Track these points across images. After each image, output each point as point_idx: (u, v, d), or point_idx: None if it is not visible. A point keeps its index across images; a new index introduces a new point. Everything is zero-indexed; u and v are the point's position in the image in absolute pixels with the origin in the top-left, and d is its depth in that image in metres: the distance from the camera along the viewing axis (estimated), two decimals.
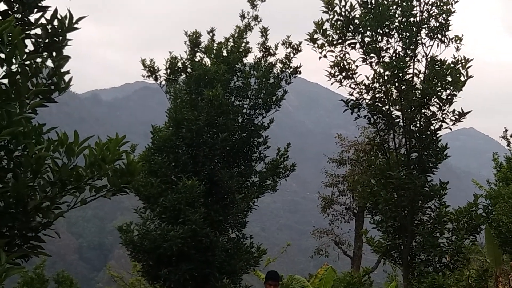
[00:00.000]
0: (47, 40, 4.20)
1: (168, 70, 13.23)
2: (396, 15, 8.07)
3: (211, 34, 13.35)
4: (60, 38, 4.22)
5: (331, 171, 34.29)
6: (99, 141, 4.01)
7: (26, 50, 3.98)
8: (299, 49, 12.88)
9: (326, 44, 8.44)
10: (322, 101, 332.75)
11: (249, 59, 14.85)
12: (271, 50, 13.10)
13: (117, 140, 3.95)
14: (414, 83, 7.71)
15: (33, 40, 4.33)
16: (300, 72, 13.21)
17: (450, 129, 7.55)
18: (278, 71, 13.02)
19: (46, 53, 4.27)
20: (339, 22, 8.39)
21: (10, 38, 3.73)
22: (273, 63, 13.03)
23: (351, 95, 8.18)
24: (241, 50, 12.87)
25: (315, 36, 8.49)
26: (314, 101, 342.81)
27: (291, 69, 13.05)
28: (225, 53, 12.82)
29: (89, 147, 3.87)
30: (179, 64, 13.21)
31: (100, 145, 3.92)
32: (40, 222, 4.00)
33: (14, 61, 3.70)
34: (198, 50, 13.33)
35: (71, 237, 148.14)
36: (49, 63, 4.32)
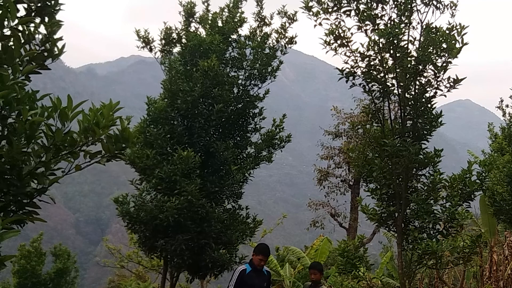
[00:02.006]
0: (39, 4, 4.15)
1: (163, 41, 13.14)
2: None
3: (205, 4, 13.24)
4: (53, 1, 4.17)
5: (327, 143, 34.42)
6: (93, 107, 4.01)
7: (18, 15, 3.95)
8: (295, 18, 12.81)
9: (321, 12, 8.38)
10: (318, 74, 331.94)
11: (245, 29, 14.79)
12: (266, 20, 13.01)
13: (111, 105, 3.94)
14: (409, 51, 7.67)
15: (25, 5, 4.28)
16: (296, 42, 13.13)
17: (445, 96, 7.55)
18: (274, 41, 12.94)
19: (39, 18, 4.24)
20: None
21: (1, 1, 3.70)
22: (268, 33, 12.95)
23: (346, 63, 8.15)
24: (236, 20, 12.78)
25: (310, 3, 8.42)
26: (310, 74, 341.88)
27: (287, 39, 12.97)
28: (220, 24, 12.73)
29: (83, 112, 3.87)
30: (174, 35, 13.12)
31: (94, 110, 3.91)
32: (35, 188, 4.00)
33: (6, 23, 3.67)
34: (193, 21, 13.23)
35: (68, 212, 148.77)
36: (42, 29, 4.29)
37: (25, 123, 3.72)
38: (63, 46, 4.29)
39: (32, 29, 4.14)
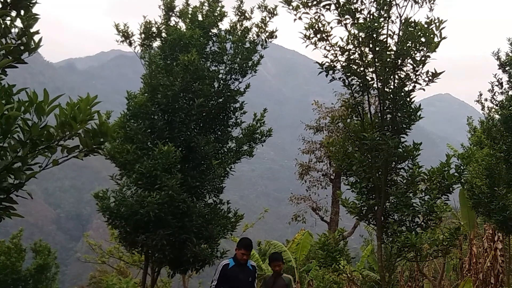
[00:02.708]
0: None
1: (143, 35, 13.05)
2: None
3: None
4: None
5: (308, 138, 34.58)
6: (71, 101, 3.97)
7: None
8: (275, 12, 12.80)
9: (301, 6, 8.38)
10: (299, 69, 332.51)
11: (225, 23, 14.75)
12: (246, 14, 12.98)
13: (88, 99, 3.91)
14: (388, 45, 7.70)
15: None
16: (276, 37, 13.13)
17: (424, 89, 7.61)
18: (254, 35, 12.93)
19: (14, 11, 4.19)
20: None
21: None
22: (248, 27, 12.92)
23: (326, 57, 8.17)
24: (216, 14, 12.73)
25: None
26: (291, 69, 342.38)
27: (267, 33, 12.97)
28: (200, 18, 12.68)
29: (60, 106, 3.83)
30: (154, 29, 13.04)
31: (71, 104, 3.88)
32: (11, 183, 3.97)
33: None
34: (173, 15, 13.16)
35: (48, 208, 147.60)
36: (18, 23, 4.24)
37: (1, 117, 3.68)
38: (40, 40, 4.25)
39: (8, 22, 4.09)
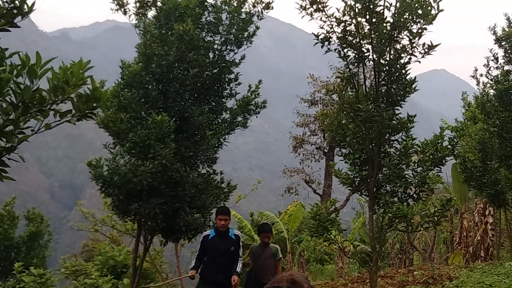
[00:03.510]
0: None
1: (138, 4, 12.90)
2: None
3: None
4: None
5: (303, 111, 34.60)
6: (63, 65, 3.94)
7: None
8: None
9: None
10: (295, 42, 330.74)
11: None
12: None
13: (80, 63, 3.89)
14: (384, 16, 7.65)
15: None
16: (272, 8, 13.01)
17: (419, 62, 7.58)
18: (250, 6, 12.80)
19: None
20: None
21: None
22: None
23: (322, 28, 8.12)
24: None
25: None
26: (287, 42, 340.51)
27: (263, 4, 12.84)
28: None
29: (52, 70, 3.80)
30: None
31: (63, 68, 3.85)
32: (3, 147, 3.95)
33: None
34: None
35: (41, 177, 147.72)
36: None
37: None
38: (33, 4, 4.20)
39: None
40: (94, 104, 4.13)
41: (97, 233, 29.77)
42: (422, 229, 7.96)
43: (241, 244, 9.50)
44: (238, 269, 9.34)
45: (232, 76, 12.63)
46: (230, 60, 12.60)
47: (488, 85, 16.57)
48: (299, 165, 34.58)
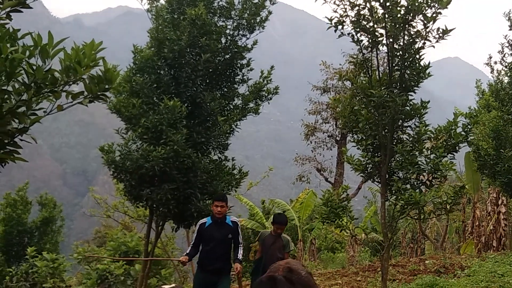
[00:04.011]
0: None
1: None
2: None
3: None
4: None
5: (315, 98, 34.44)
6: (75, 46, 3.93)
7: None
8: None
9: None
10: (308, 30, 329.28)
11: None
12: None
13: (92, 44, 3.87)
14: (399, 0, 7.56)
15: None
16: None
17: (433, 47, 7.48)
18: None
19: None
20: None
21: None
22: None
23: (335, 11, 8.04)
24: None
25: None
26: (300, 29, 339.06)
27: None
28: None
29: (64, 50, 3.79)
30: None
31: (76, 49, 3.84)
32: (16, 128, 3.96)
33: None
34: None
35: (55, 163, 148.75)
36: None
37: (5, 60, 3.64)
38: None
39: None
40: (106, 86, 4.11)
41: (109, 219, 29.97)
42: (434, 216, 7.91)
43: (240, 230, 9.22)
44: (240, 256, 9.15)
45: (244, 61, 12.58)
46: (242, 45, 12.54)
47: (503, 72, 16.40)
48: (311, 153, 34.49)
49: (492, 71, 17.41)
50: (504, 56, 15.93)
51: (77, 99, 4.07)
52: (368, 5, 7.59)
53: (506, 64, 15.85)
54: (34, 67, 3.72)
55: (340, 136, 33.06)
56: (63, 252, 25.49)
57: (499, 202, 21.60)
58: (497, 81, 16.62)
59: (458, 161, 17.30)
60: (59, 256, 19.77)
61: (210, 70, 11.92)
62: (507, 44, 15.70)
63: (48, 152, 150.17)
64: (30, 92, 3.73)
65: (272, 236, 9.99)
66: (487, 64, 17.72)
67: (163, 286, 7.51)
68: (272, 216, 25.43)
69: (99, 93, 4.12)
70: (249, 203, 23.21)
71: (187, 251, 8.97)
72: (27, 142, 4.08)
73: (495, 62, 17.19)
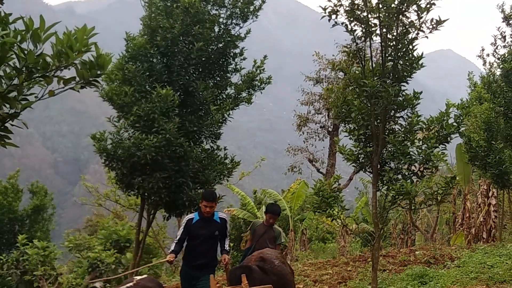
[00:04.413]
0: None
1: None
2: None
3: None
4: None
5: (308, 89, 34.47)
6: (67, 30, 3.90)
7: None
8: None
9: None
10: (301, 20, 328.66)
11: None
12: None
13: (84, 29, 3.84)
14: None
15: None
16: None
17: (427, 37, 7.47)
18: None
19: None
20: None
21: None
22: None
23: (329, 1, 8.00)
24: None
25: None
26: (293, 20, 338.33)
27: None
28: None
29: (56, 35, 3.76)
30: None
31: (67, 33, 3.81)
32: (7, 113, 3.93)
33: None
34: None
35: (46, 152, 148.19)
36: None
37: None
38: None
39: None
40: (98, 72, 4.09)
41: (100, 208, 29.98)
42: (425, 206, 7.94)
43: (227, 226, 9.00)
44: (227, 247, 8.96)
45: (237, 50, 12.55)
46: (236, 34, 12.50)
47: (495, 64, 16.46)
48: (303, 144, 34.56)
49: (484, 64, 17.47)
50: (496, 48, 15.98)
51: (69, 85, 4.05)
52: None
53: (499, 56, 15.89)
54: (26, 52, 3.69)
55: (332, 127, 33.13)
56: (54, 241, 25.46)
57: (490, 194, 21.72)
58: (489, 73, 16.68)
59: (449, 153, 17.36)
60: (50, 244, 19.72)
61: (203, 58, 11.88)
62: (500, 36, 15.74)
63: (40, 141, 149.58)
64: (21, 76, 3.70)
65: (264, 226, 9.96)
66: (479, 56, 17.76)
67: (134, 277, 7.50)
68: (264, 206, 25.50)
69: (91, 79, 4.10)
70: (241, 193, 23.25)
71: (172, 248, 8.62)
72: (19, 128, 4.06)
73: (488, 55, 17.25)
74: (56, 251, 19.29)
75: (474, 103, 17.93)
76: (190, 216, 8.83)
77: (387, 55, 7.53)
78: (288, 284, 7.46)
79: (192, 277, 8.74)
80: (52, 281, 17.93)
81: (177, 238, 8.68)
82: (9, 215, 23.58)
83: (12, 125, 4.01)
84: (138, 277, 7.34)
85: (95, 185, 27.91)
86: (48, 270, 17.84)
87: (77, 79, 4.05)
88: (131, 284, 6.71)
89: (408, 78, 7.52)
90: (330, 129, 33.25)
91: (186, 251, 8.87)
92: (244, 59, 12.77)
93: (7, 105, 3.90)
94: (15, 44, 3.68)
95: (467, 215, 22.23)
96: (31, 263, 17.81)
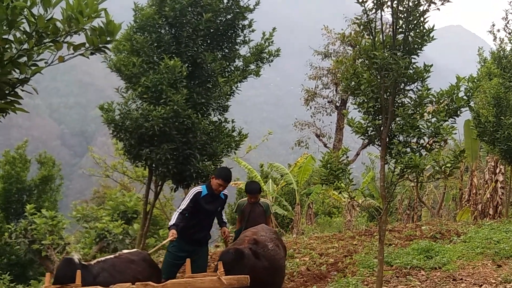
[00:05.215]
0: None
1: None
2: None
3: None
4: None
5: (316, 64, 34.26)
6: None
7: None
8: None
9: None
10: None
11: None
12: None
13: None
14: None
15: None
16: None
17: (438, 9, 7.38)
18: None
19: None
20: None
21: None
22: None
23: None
24: None
25: None
26: None
27: None
28: None
29: (66, 0, 3.73)
30: None
31: None
32: (17, 78, 3.93)
33: None
34: None
35: (53, 123, 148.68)
36: None
37: (7, 8, 3.59)
38: None
39: None
40: (108, 38, 4.07)
41: (107, 180, 30.10)
42: (433, 180, 7.92)
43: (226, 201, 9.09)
44: (225, 219, 9.18)
45: (246, 22, 12.43)
46: (244, 6, 12.38)
47: (506, 40, 16.31)
48: (310, 119, 34.47)
49: (494, 39, 17.32)
50: (508, 22, 15.82)
51: (79, 51, 4.04)
52: None
53: (510, 30, 15.73)
54: (36, 16, 3.67)
55: (340, 102, 33.01)
56: (61, 211, 25.63)
57: (497, 171, 21.70)
58: (500, 48, 16.54)
59: (458, 130, 17.34)
60: (58, 214, 19.89)
61: (212, 30, 11.81)
62: (511, 11, 15.56)
63: (47, 112, 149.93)
64: (31, 41, 3.69)
65: (249, 204, 9.86)
66: (490, 32, 17.60)
67: (123, 250, 7.52)
68: (271, 179, 25.55)
69: (100, 46, 4.09)
70: (247, 166, 23.30)
71: (174, 221, 8.28)
72: (29, 94, 4.05)
73: (498, 30, 17.10)
74: (64, 221, 19.46)
75: (484, 78, 17.79)
76: (198, 189, 8.73)
77: (398, 27, 7.45)
78: (279, 269, 7.35)
79: (187, 251, 8.49)
80: (60, 251, 18.13)
81: (181, 209, 8.47)
82: (17, 185, 23.75)
83: (22, 90, 4.01)
84: (126, 251, 7.40)
85: (103, 156, 28.00)
86: (56, 240, 18.02)
87: (87, 45, 4.04)
88: (112, 256, 6.74)
89: (419, 51, 7.45)
90: (337, 104, 33.14)
91: (185, 225, 8.56)
92: (253, 31, 12.67)
93: (17, 71, 3.90)
94: (25, 9, 3.66)
95: (474, 191, 22.22)
96: (39, 232, 17.99)
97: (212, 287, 5.86)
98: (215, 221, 9.25)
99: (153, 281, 6.19)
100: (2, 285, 17.94)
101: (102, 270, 6.23)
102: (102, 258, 6.64)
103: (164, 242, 8.39)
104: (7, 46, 3.70)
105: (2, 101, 3.91)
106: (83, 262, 6.21)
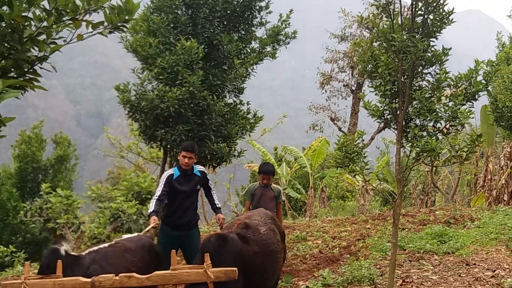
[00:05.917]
0: None
1: None
2: None
3: None
4: None
5: (332, 47, 34.05)
6: None
7: None
8: None
9: None
10: None
11: None
12: None
13: None
14: None
15: None
16: None
17: None
18: None
19: None
20: None
21: None
22: None
23: None
24: None
25: None
26: None
27: None
28: None
29: None
30: None
31: None
32: (36, 56, 3.95)
33: None
34: None
35: (69, 104, 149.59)
36: None
37: None
38: None
39: None
40: (126, 17, 4.08)
41: (122, 161, 30.26)
42: (450, 164, 7.88)
43: (208, 178, 8.77)
44: (218, 203, 8.76)
45: (263, 3, 12.36)
46: None
47: None
48: (325, 102, 34.30)
49: None
50: None
51: (97, 29, 4.06)
52: None
53: None
54: None
55: (355, 85, 32.83)
56: (76, 191, 25.85)
57: None
58: None
59: (474, 115, 17.17)
60: (73, 193, 20.05)
61: (228, 11, 11.77)
62: None
63: (63, 93, 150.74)
64: (50, 19, 3.71)
65: (260, 187, 9.69)
66: (509, 16, 17.38)
67: (123, 235, 7.32)
68: (284, 162, 25.56)
69: (119, 24, 4.10)
70: (261, 149, 23.32)
71: (152, 208, 8.07)
72: (47, 70, 4.07)
73: None
74: (79, 200, 19.62)
75: (502, 63, 17.58)
76: (170, 171, 8.52)
77: (417, 9, 7.37)
78: (273, 254, 6.84)
79: (175, 237, 8.36)
80: (74, 229, 18.29)
81: (157, 195, 8.22)
82: (32, 164, 23.99)
83: (41, 68, 4.03)
84: (125, 236, 7.14)
85: (118, 137, 28.14)
86: (71, 219, 18.17)
87: (106, 23, 4.04)
88: (106, 245, 6.49)
89: (438, 34, 7.37)
90: (353, 88, 32.96)
91: (167, 210, 8.49)
92: (270, 12, 12.61)
93: (36, 48, 3.91)
94: None
95: (489, 177, 22.09)
96: (54, 211, 18.15)
97: (198, 279, 5.65)
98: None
99: (152, 269, 5.91)
100: (17, 263, 18.17)
101: (93, 262, 5.95)
102: (95, 248, 6.30)
103: (146, 229, 8.20)
104: (26, 23, 3.71)
105: (21, 79, 3.93)
106: (74, 253, 5.94)
